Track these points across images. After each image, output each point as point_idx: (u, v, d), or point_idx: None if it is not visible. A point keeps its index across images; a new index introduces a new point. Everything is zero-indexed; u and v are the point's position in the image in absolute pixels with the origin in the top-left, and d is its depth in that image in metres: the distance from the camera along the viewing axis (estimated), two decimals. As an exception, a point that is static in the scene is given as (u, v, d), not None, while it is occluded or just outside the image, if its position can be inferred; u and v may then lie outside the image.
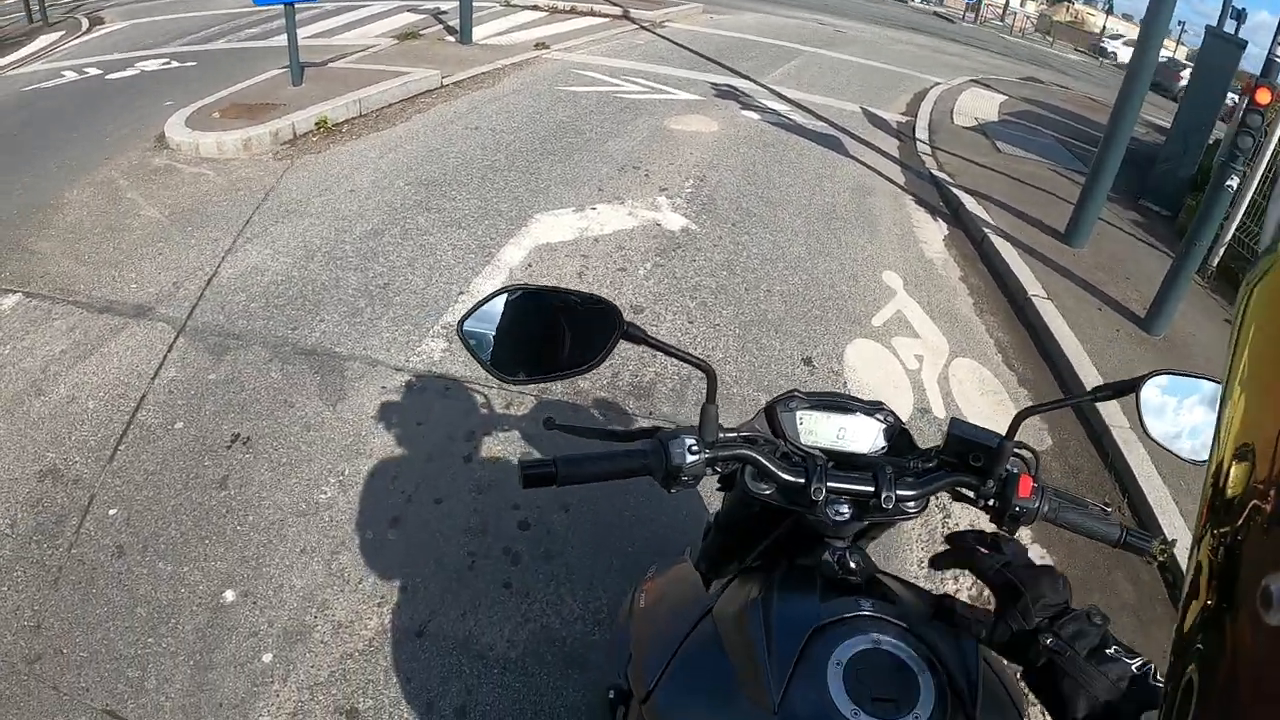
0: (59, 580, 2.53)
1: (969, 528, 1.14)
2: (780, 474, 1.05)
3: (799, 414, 1.17)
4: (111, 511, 2.77)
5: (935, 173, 7.41)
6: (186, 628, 2.40)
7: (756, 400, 3.61)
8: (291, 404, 3.27)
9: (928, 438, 3.49)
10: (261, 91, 7.00)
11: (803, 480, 1.04)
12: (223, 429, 3.13)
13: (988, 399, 3.97)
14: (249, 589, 2.52)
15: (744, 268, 4.93)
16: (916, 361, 4.16)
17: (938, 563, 1.13)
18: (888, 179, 7.17)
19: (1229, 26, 7.54)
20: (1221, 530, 0.39)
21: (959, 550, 1.09)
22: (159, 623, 2.41)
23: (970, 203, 6.54)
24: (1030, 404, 4.00)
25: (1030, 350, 4.55)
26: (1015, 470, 1.09)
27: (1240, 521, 0.37)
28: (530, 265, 4.57)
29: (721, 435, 1.07)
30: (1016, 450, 1.09)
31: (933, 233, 6.09)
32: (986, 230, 5.92)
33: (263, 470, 2.95)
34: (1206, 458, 1.05)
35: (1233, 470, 0.39)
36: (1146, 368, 1.10)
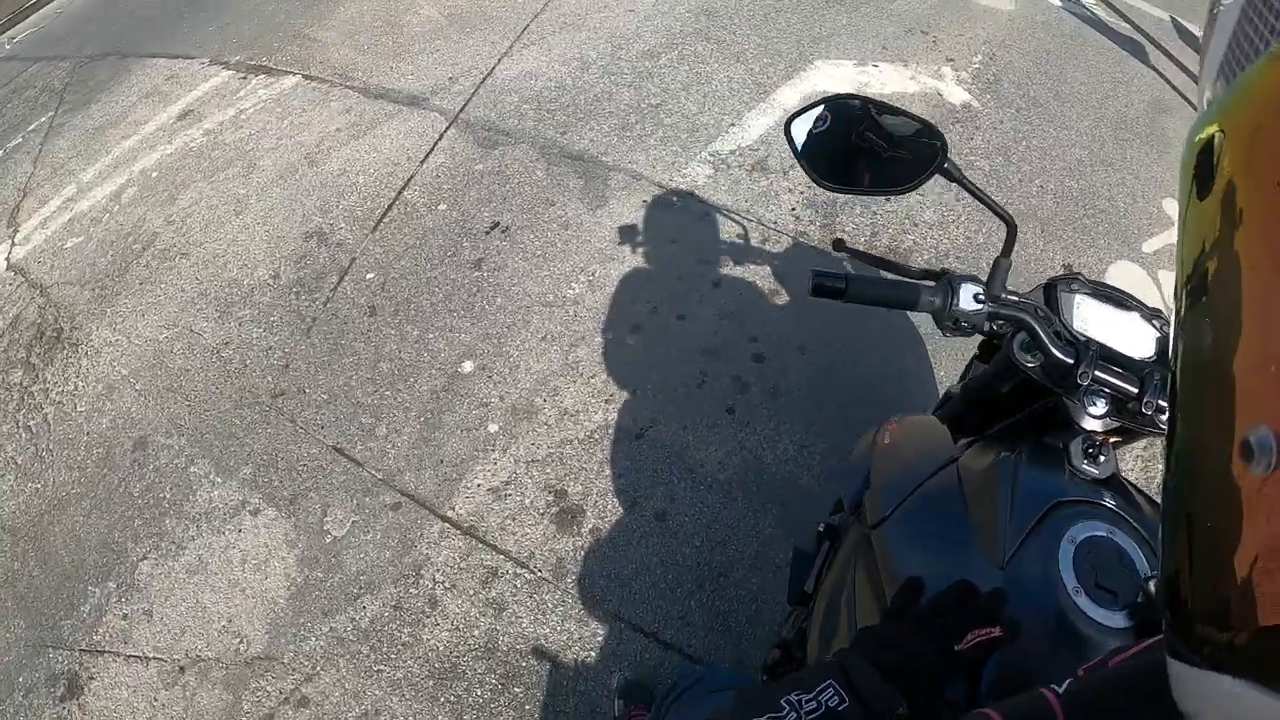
0: (311, 329, 2.58)
1: None
2: (1052, 349, 0.99)
3: (1078, 298, 1.10)
4: (369, 275, 2.79)
5: (1242, 104, 6.10)
6: (423, 388, 2.40)
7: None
8: (552, 202, 3.16)
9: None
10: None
11: (1072, 361, 0.97)
12: (483, 216, 3.07)
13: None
14: (487, 364, 2.47)
15: (1021, 158, 4.30)
16: (1178, 302, 3.48)
17: None
18: (1187, 101, 6.05)
19: None
20: None
21: None
22: (398, 379, 2.42)
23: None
24: None
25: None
26: None
27: None
28: (807, 110, 4.19)
29: (1006, 294, 1.04)
30: None
31: (1226, 168, 5.05)
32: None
33: (517, 259, 2.87)
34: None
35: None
36: None
